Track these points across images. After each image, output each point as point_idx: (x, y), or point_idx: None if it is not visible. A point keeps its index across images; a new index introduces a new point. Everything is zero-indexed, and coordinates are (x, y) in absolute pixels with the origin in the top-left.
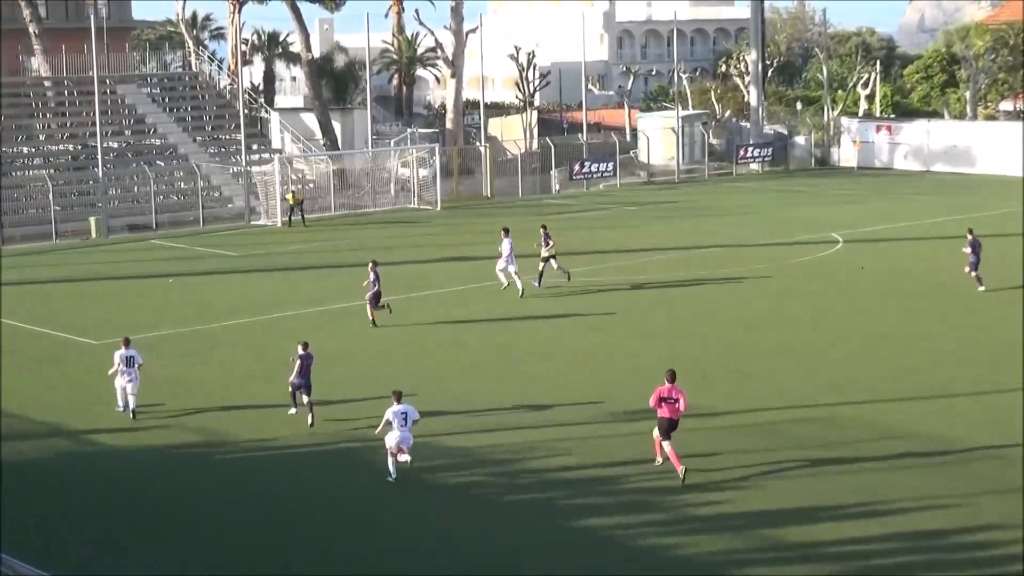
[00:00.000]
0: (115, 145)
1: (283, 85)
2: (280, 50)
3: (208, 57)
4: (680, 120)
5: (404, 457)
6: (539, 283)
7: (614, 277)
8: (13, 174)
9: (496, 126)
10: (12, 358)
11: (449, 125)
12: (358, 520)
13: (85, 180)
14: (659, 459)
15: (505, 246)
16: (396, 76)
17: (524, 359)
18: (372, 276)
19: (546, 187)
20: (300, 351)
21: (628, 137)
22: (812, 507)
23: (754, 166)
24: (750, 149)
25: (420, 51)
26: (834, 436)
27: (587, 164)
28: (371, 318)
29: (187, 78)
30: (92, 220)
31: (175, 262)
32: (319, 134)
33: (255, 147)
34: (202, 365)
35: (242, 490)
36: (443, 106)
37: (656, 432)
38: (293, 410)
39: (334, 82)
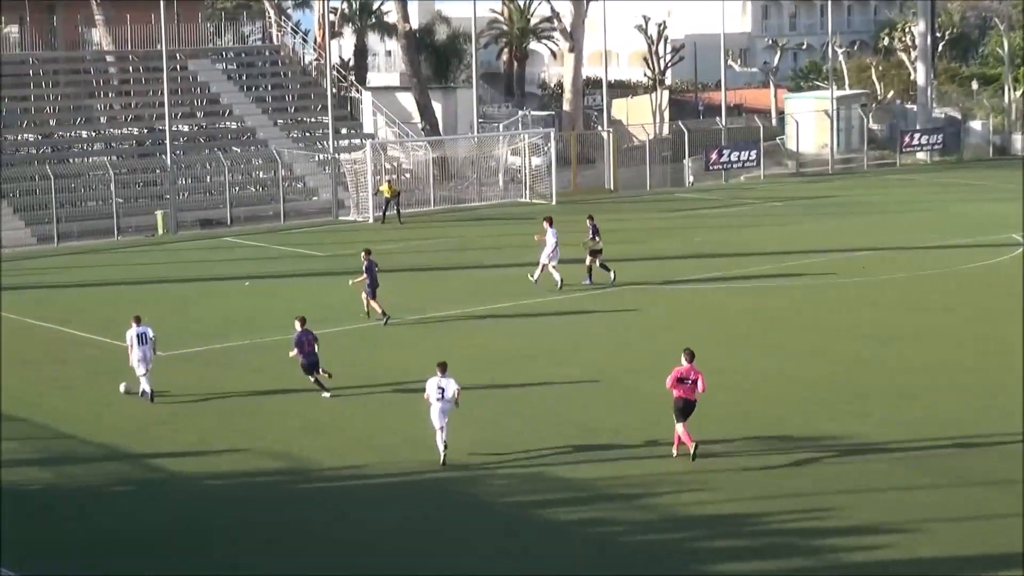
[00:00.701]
0: (185, 128)
1: (376, 61)
2: (373, 20)
3: (292, 29)
4: (835, 102)
5: (442, 434)
6: (589, 279)
7: (753, 283)
8: (70, 161)
9: (621, 108)
10: (65, 370)
11: (567, 107)
12: (464, 570)
13: (151, 168)
14: (675, 451)
15: (550, 237)
16: (506, 50)
17: (648, 377)
18: (365, 265)
19: (678, 179)
20: (298, 327)
21: (774, 121)
22: (984, 555)
23: (921, 155)
24: (917, 136)
25: (534, 21)
26: (1011, 472)
27: (726, 153)
28: (367, 309)
29: (267, 52)
30: (159, 214)
31: (252, 263)
32: (417, 117)
33: (344, 131)
34: (281, 380)
35: (326, 529)
36: (560, 85)
37: (679, 427)
38: (326, 394)
39: (435, 57)
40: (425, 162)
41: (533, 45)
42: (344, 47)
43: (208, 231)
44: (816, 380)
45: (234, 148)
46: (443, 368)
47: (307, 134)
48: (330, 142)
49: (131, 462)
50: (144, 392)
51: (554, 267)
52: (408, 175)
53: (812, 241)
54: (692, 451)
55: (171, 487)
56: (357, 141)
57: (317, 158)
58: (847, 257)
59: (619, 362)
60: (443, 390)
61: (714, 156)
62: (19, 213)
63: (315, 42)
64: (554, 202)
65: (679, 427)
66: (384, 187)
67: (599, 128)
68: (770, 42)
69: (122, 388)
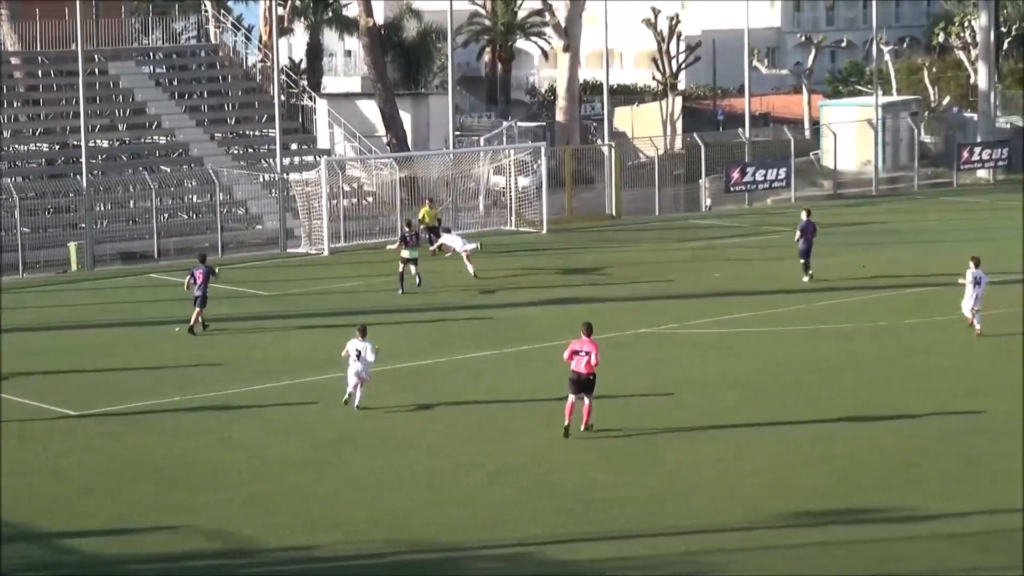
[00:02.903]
0: (105, 144)
1: (334, 62)
2: (330, 15)
3: (232, 25)
4: (880, 110)
5: (358, 391)
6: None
7: (783, 328)
8: None
9: (625, 118)
10: None
11: (560, 116)
12: None
13: (64, 192)
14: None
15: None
16: (488, 50)
17: (664, 438)
18: (200, 272)
19: (693, 203)
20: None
21: (807, 134)
22: None
23: (983, 173)
24: (978, 150)
25: (521, 15)
26: None
27: (750, 171)
28: (191, 324)
29: (203, 53)
30: (72, 246)
31: (183, 304)
32: (381, 129)
33: (294, 147)
34: (219, 445)
35: None
36: (552, 91)
37: (570, 399)
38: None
39: (403, 58)
40: (391, 183)
41: (520, 43)
42: (295, 46)
43: (131, 266)
44: (862, 442)
45: (163, 167)
46: (363, 331)
47: (250, 150)
48: (277, 160)
49: (39, 543)
50: None
51: (468, 255)
52: (370, 199)
53: (850, 276)
54: (565, 427)
55: (86, 573)
56: (310, 158)
57: (262, 179)
58: (899, 295)
59: (629, 420)
60: (360, 352)
61: (736, 175)
62: None
63: (260, 40)
64: (545, 230)
65: (570, 399)
66: (424, 212)
67: (599, 142)
68: (803, 39)
69: None
